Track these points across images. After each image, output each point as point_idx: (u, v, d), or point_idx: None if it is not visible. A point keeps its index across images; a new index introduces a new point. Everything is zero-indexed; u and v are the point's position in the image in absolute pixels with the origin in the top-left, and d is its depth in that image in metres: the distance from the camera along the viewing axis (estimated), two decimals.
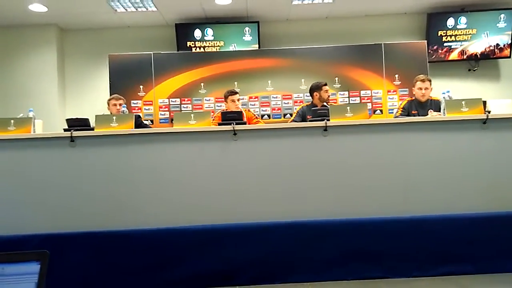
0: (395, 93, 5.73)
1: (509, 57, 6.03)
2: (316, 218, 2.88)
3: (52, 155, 2.98)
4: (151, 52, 5.76)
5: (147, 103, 5.73)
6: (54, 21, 5.97)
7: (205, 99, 5.75)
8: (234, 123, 3.01)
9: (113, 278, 2.77)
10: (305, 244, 2.84)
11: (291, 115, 5.34)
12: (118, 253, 2.81)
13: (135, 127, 3.27)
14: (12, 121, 3.13)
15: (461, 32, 6.02)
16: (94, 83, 6.21)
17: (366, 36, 6.10)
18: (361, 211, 2.91)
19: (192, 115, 3.17)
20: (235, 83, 5.68)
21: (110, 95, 4.86)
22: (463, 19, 6.00)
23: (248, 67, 5.76)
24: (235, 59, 5.79)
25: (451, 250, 2.82)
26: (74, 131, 2.99)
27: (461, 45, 6.04)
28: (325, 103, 4.29)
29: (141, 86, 5.71)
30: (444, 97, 3.38)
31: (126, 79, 5.65)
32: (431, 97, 4.12)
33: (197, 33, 6.07)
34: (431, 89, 4.11)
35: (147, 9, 5.67)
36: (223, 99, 4.64)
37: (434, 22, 6.04)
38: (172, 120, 5.24)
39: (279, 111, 5.78)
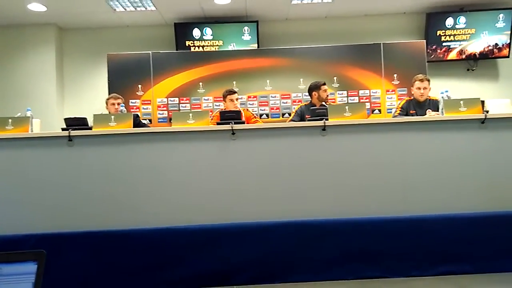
0: (393, 92, 5.72)
1: (508, 57, 6.03)
2: (315, 217, 2.88)
3: (50, 155, 2.97)
4: (150, 52, 5.75)
5: (146, 102, 5.73)
6: (53, 20, 5.96)
7: (204, 99, 5.75)
8: (233, 123, 3.01)
9: (112, 278, 2.76)
10: (304, 244, 2.84)
11: (289, 114, 5.34)
12: (116, 253, 2.80)
13: (133, 127, 3.27)
14: (10, 120, 3.12)
15: (460, 31, 6.03)
16: (93, 82, 6.20)
17: (365, 35, 6.10)
18: (359, 210, 2.91)
19: (190, 114, 3.17)
20: (234, 82, 5.68)
21: (109, 94, 4.85)
22: (462, 19, 6.00)
23: (247, 67, 5.75)
24: (234, 59, 5.78)
25: (449, 249, 2.83)
26: (72, 130, 2.99)
27: (460, 45, 6.04)
28: (323, 103, 4.29)
29: (139, 86, 5.70)
30: (442, 97, 3.38)
31: (125, 78, 5.64)
32: (429, 96, 4.12)
33: (196, 32, 6.06)
34: (430, 88, 4.12)
35: (146, 8, 5.66)
36: (221, 99, 4.63)
37: (433, 21, 6.04)
38: (170, 119, 5.24)
39: (278, 110, 5.78)
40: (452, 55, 6.06)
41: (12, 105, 5.68)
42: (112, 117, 3.21)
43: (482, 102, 3.20)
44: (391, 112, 5.32)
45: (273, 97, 5.77)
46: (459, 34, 6.03)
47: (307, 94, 4.69)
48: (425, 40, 5.89)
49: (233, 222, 2.87)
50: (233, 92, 4.44)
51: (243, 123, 3.25)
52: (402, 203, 2.93)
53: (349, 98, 5.73)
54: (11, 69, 6.04)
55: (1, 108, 5.78)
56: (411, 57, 5.70)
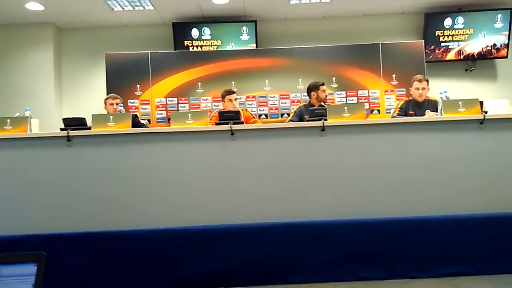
0: (392, 93, 5.73)
1: (506, 57, 6.04)
2: (315, 218, 2.87)
3: (49, 155, 2.97)
4: (148, 51, 5.74)
5: (144, 102, 5.72)
6: (51, 19, 5.94)
7: (203, 99, 5.74)
8: (232, 123, 3.00)
9: (111, 278, 2.75)
10: (303, 245, 2.84)
11: (288, 114, 5.34)
12: (116, 254, 2.80)
13: (132, 127, 3.26)
14: (8, 120, 3.11)
15: (458, 32, 6.03)
16: (91, 82, 6.18)
17: (363, 35, 6.10)
18: (359, 211, 2.91)
19: (189, 114, 3.16)
20: (233, 82, 5.67)
21: (107, 94, 4.84)
22: (460, 19, 6.01)
23: (246, 67, 5.75)
24: (232, 59, 5.77)
25: (449, 251, 2.83)
26: (70, 130, 2.98)
27: (458, 45, 6.05)
28: (322, 103, 4.30)
29: (138, 85, 5.69)
30: (441, 97, 3.38)
31: (123, 78, 5.63)
32: (428, 97, 4.12)
33: (195, 32, 6.05)
34: (428, 89, 4.12)
35: (144, 8, 5.65)
36: (220, 99, 4.63)
37: (431, 22, 6.05)
38: (169, 119, 5.21)
39: (277, 110, 5.78)
40: (451, 56, 6.07)
41: (11, 105, 5.66)
42: (111, 117, 3.21)
43: (481, 102, 3.20)
44: (390, 112, 5.32)
45: (272, 97, 5.77)
46: (457, 35, 6.03)
47: (306, 94, 4.69)
48: (423, 40, 5.90)
49: (232, 223, 2.87)
50: (231, 92, 4.44)
51: (242, 123, 3.25)
52: (401, 203, 2.93)
53: (348, 98, 5.74)
54: (9, 68, 6.02)
55: None
56: (409, 57, 5.71)
